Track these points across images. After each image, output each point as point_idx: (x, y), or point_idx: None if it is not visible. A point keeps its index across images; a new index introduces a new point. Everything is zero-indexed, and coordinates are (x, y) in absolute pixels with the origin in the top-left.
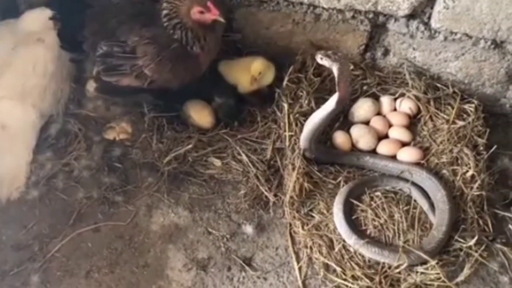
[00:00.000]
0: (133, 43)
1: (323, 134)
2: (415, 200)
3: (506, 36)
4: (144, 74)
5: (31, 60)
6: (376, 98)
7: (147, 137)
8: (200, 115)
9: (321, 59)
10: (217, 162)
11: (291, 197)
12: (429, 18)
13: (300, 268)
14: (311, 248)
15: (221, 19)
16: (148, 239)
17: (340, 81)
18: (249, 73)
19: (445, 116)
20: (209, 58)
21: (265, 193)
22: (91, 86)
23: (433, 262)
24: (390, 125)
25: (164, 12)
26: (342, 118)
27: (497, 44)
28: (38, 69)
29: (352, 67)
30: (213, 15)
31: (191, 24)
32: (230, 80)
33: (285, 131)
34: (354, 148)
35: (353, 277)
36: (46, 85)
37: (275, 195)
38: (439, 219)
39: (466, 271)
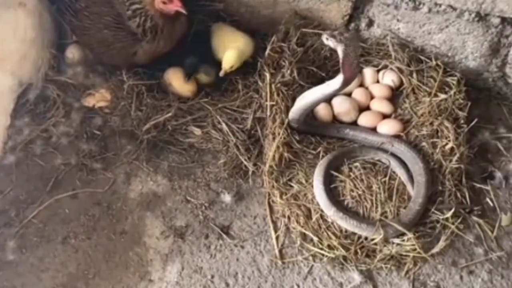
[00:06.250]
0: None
1: None
2: (393, 172)
3: (490, 8)
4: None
5: (11, 24)
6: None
7: (126, 104)
8: (181, 83)
9: (326, 39)
10: (197, 131)
11: (271, 166)
12: None
13: (277, 237)
14: (288, 217)
15: (183, 11)
16: (126, 206)
17: (345, 63)
18: (228, 49)
19: (427, 89)
20: (154, 51)
21: (245, 162)
22: (70, 52)
23: (410, 235)
24: (372, 97)
25: None
26: None
27: (481, 17)
28: (18, 34)
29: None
30: (175, 6)
31: (153, 12)
32: (215, 45)
33: (266, 100)
34: (335, 119)
35: (329, 246)
36: (25, 52)
37: (255, 165)
38: (416, 191)
39: (441, 243)
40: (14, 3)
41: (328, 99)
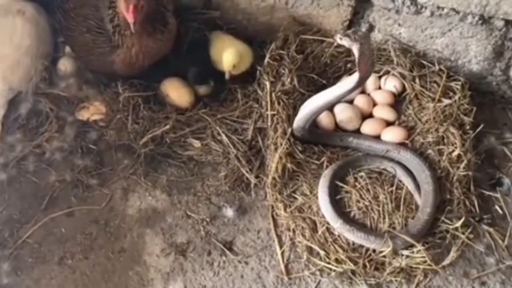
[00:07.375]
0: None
1: None
2: (400, 181)
3: (495, 11)
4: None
5: (8, 29)
6: None
7: (122, 117)
8: (179, 94)
9: (340, 39)
10: (196, 143)
11: (273, 178)
12: None
13: (282, 252)
14: (293, 231)
15: (131, 26)
16: (124, 223)
17: (361, 61)
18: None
19: (430, 94)
20: (130, 62)
21: (246, 174)
22: (62, 65)
23: (419, 246)
24: (374, 104)
25: None
26: None
27: (485, 20)
28: (14, 40)
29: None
30: (128, 17)
31: (119, 12)
32: (213, 55)
33: (267, 110)
34: (338, 127)
35: (336, 260)
36: (19, 58)
37: (257, 177)
38: (424, 201)
39: (452, 254)
40: (13, 10)
41: (337, 102)
